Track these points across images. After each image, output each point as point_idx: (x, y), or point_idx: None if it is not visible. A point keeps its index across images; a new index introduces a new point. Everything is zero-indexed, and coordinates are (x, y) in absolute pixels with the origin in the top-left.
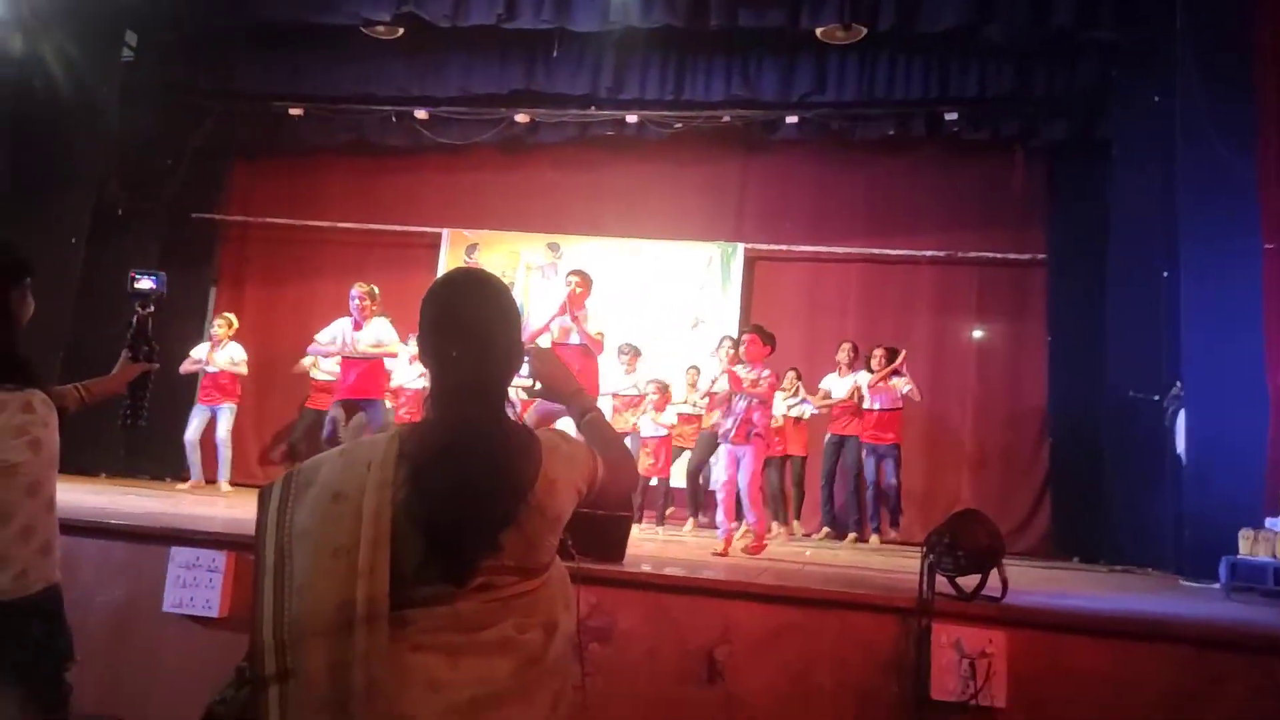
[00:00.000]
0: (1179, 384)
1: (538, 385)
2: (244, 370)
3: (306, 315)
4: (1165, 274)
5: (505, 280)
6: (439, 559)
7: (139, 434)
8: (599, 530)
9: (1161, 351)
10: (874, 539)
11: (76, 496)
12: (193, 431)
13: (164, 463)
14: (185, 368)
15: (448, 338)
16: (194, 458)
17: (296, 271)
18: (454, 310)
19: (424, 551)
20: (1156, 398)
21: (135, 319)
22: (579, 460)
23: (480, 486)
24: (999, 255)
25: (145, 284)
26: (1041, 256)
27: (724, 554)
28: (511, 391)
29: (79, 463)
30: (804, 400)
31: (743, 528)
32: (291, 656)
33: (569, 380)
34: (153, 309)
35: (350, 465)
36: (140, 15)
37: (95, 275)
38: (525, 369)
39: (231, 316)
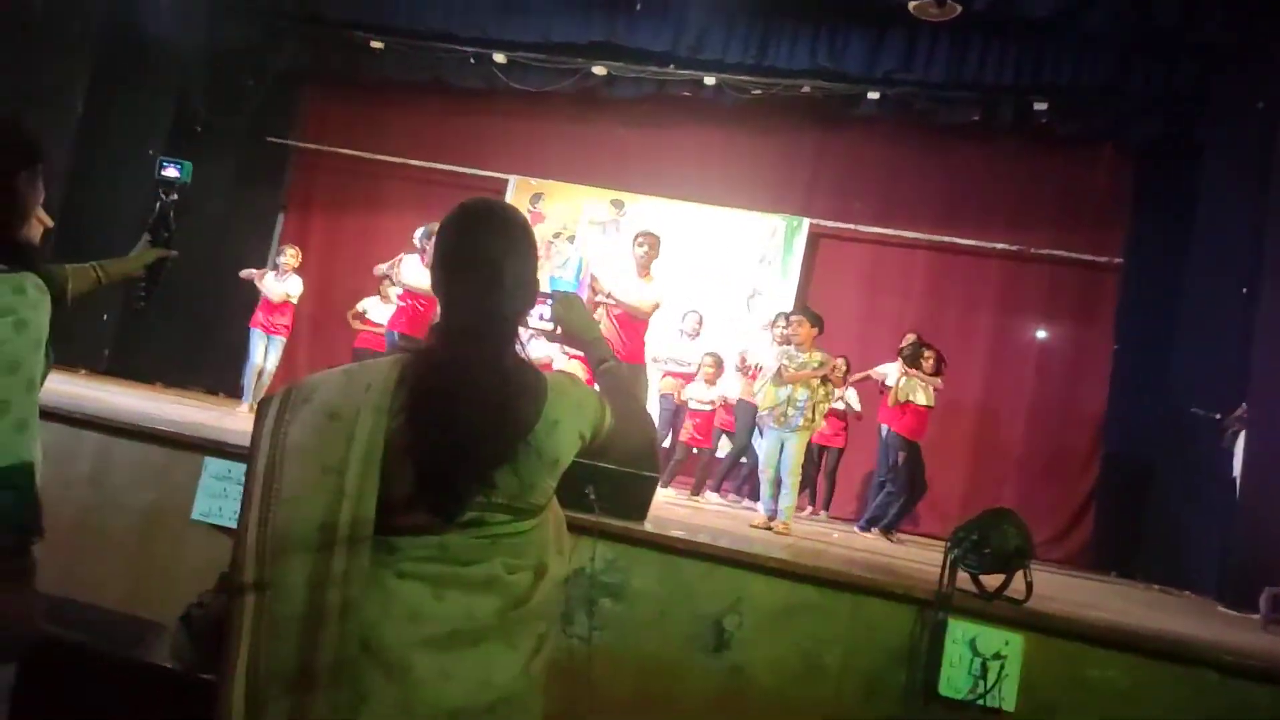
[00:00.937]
0: (1244, 405)
1: (558, 329)
2: (294, 301)
3: (367, 247)
4: (1244, 290)
5: (565, 233)
6: (429, 491)
7: (148, 329)
8: (623, 488)
9: (1230, 370)
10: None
11: (124, 400)
12: (257, 356)
13: (217, 377)
14: (246, 275)
15: (455, 268)
16: (254, 382)
17: (363, 203)
18: (463, 241)
19: (414, 481)
20: (1218, 416)
21: (159, 205)
22: (586, 406)
23: (476, 423)
24: (1073, 255)
25: (171, 172)
26: (1117, 260)
27: (764, 528)
28: (524, 331)
29: (138, 369)
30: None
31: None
32: (270, 568)
33: (590, 327)
34: (176, 197)
35: (350, 385)
36: None
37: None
38: (547, 311)
39: (298, 250)
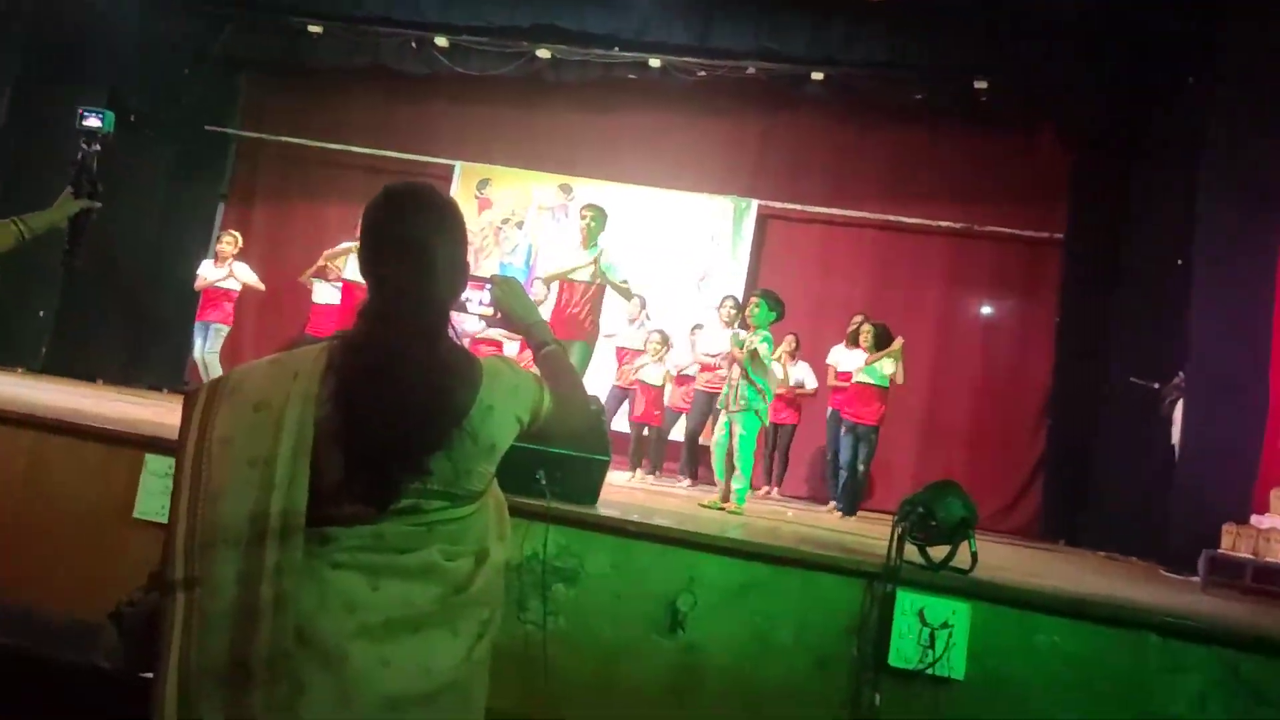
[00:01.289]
0: (1180, 374)
1: (497, 314)
2: (261, 286)
3: (313, 237)
4: (1179, 262)
5: (514, 219)
6: (360, 479)
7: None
8: (574, 472)
9: (1168, 341)
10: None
11: (61, 398)
12: (199, 348)
13: (161, 373)
14: (199, 285)
15: (382, 252)
16: (203, 374)
17: (305, 192)
18: (390, 224)
19: (345, 470)
20: (1156, 386)
21: (80, 155)
22: (522, 390)
23: (407, 408)
24: (1016, 231)
25: (93, 121)
26: (1059, 236)
27: (720, 507)
28: (463, 315)
29: (76, 367)
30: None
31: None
32: (200, 564)
33: (529, 310)
34: (98, 147)
35: (277, 375)
36: None
37: (106, 180)
38: (486, 295)
39: (237, 235)
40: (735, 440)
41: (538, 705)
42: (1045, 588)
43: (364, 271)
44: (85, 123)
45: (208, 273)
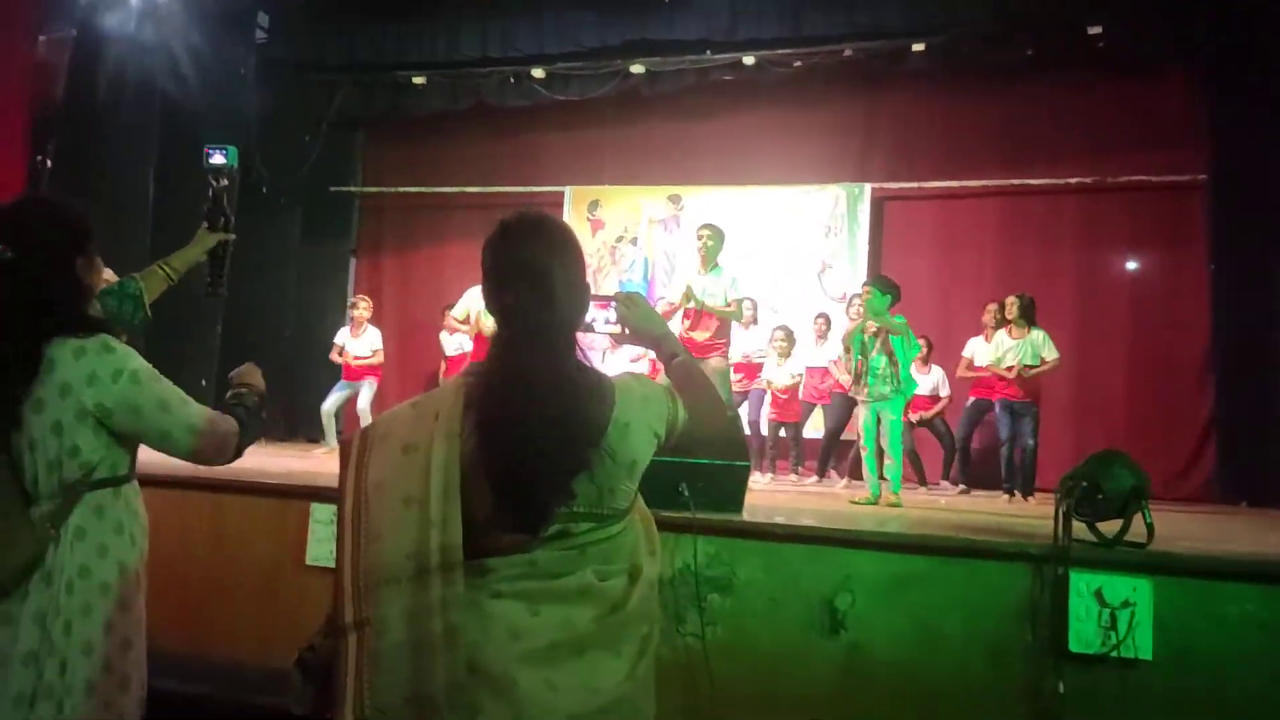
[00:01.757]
0: None
1: (625, 330)
2: (379, 359)
3: (439, 281)
4: None
5: (627, 236)
6: (510, 509)
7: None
8: (715, 481)
9: None
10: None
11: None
12: (330, 403)
13: (317, 427)
14: (334, 357)
15: (504, 283)
16: (329, 425)
17: (428, 238)
18: (508, 255)
19: (495, 501)
20: None
21: (211, 191)
22: (655, 403)
23: (546, 435)
24: (1153, 179)
25: (218, 159)
26: (1202, 178)
27: (873, 503)
28: (591, 335)
29: None
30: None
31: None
32: (367, 605)
33: (656, 323)
34: (227, 183)
35: (419, 417)
36: None
37: (245, 252)
38: (612, 314)
39: (368, 299)
40: (884, 427)
41: (703, 718)
42: (1231, 554)
43: (489, 304)
44: (211, 160)
45: (349, 345)
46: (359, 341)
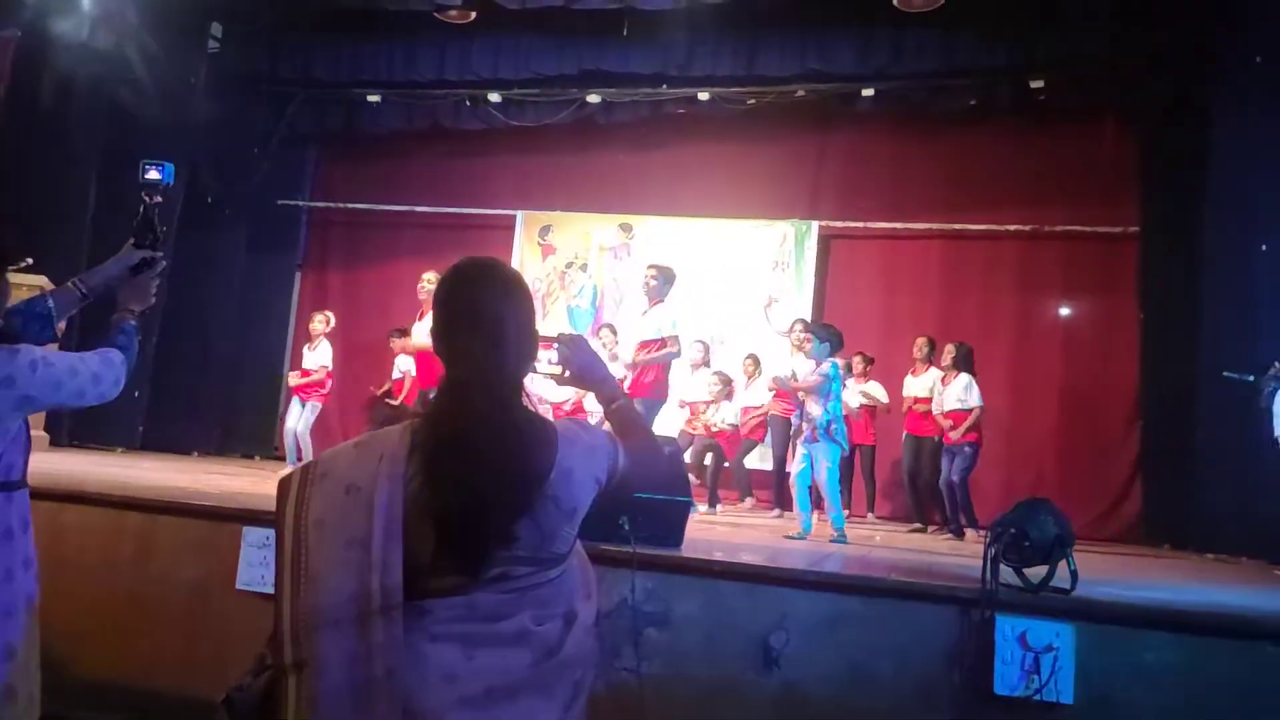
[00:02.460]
0: (1277, 364)
1: (565, 372)
2: (321, 376)
3: (387, 299)
4: (1264, 248)
5: (578, 262)
6: (452, 550)
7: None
8: (657, 516)
9: (1260, 329)
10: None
11: (163, 475)
12: (291, 420)
13: (252, 442)
14: (293, 381)
15: (456, 327)
16: (289, 444)
17: (376, 255)
18: (462, 300)
19: (437, 543)
20: (1252, 378)
21: (142, 207)
22: (597, 451)
23: (490, 478)
24: (1088, 229)
25: (153, 175)
26: (1134, 229)
27: (802, 538)
28: (533, 379)
29: (172, 442)
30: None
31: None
32: (307, 646)
33: (596, 366)
34: (160, 200)
35: (364, 457)
36: (224, 7)
37: (187, 262)
38: (555, 356)
39: (329, 314)
40: (821, 473)
41: None
42: (1151, 603)
43: (437, 347)
44: (147, 175)
45: (305, 358)
46: (310, 355)
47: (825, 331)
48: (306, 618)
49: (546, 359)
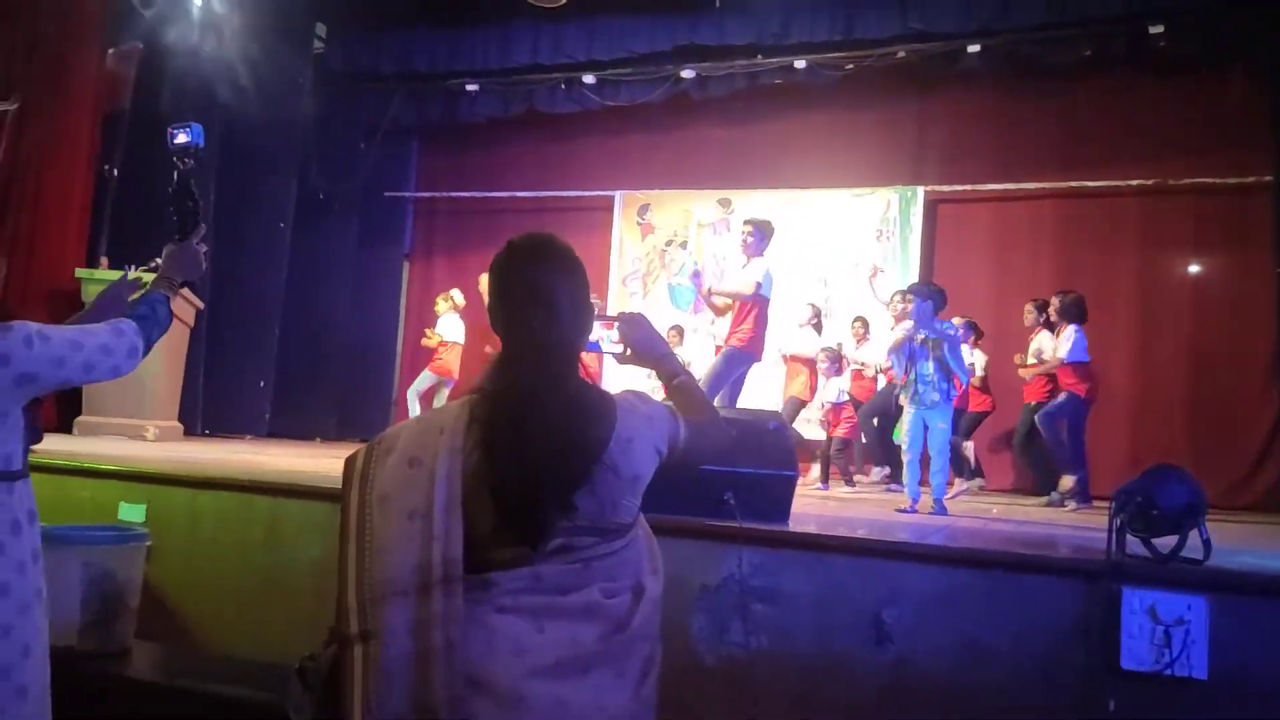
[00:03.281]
0: None
1: (627, 350)
2: (442, 351)
3: None
4: None
5: (677, 240)
6: (512, 522)
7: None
8: (761, 490)
9: None
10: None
11: (288, 461)
12: (417, 383)
13: (370, 426)
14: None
15: (511, 302)
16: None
17: (479, 243)
18: (516, 275)
19: (497, 514)
20: None
21: (176, 175)
22: (657, 421)
23: (547, 449)
24: (1217, 180)
25: (182, 139)
26: (1267, 179)
27: (910, 511)
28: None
29: (297, 429)
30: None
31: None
32: (374, 617)
33: (657, 344)
34: (193, 164)
35: (425, 431)
36: (328, 7)
37: (303, 256)
38: (616, 334)
39: (453, 292)
40: (932, 434)
41: None
42: None
43: (493, 322)
44: (175, 140)
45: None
46: (436, 329)
47: (926, 289)
48: (372, 590)
49: (608, 338)
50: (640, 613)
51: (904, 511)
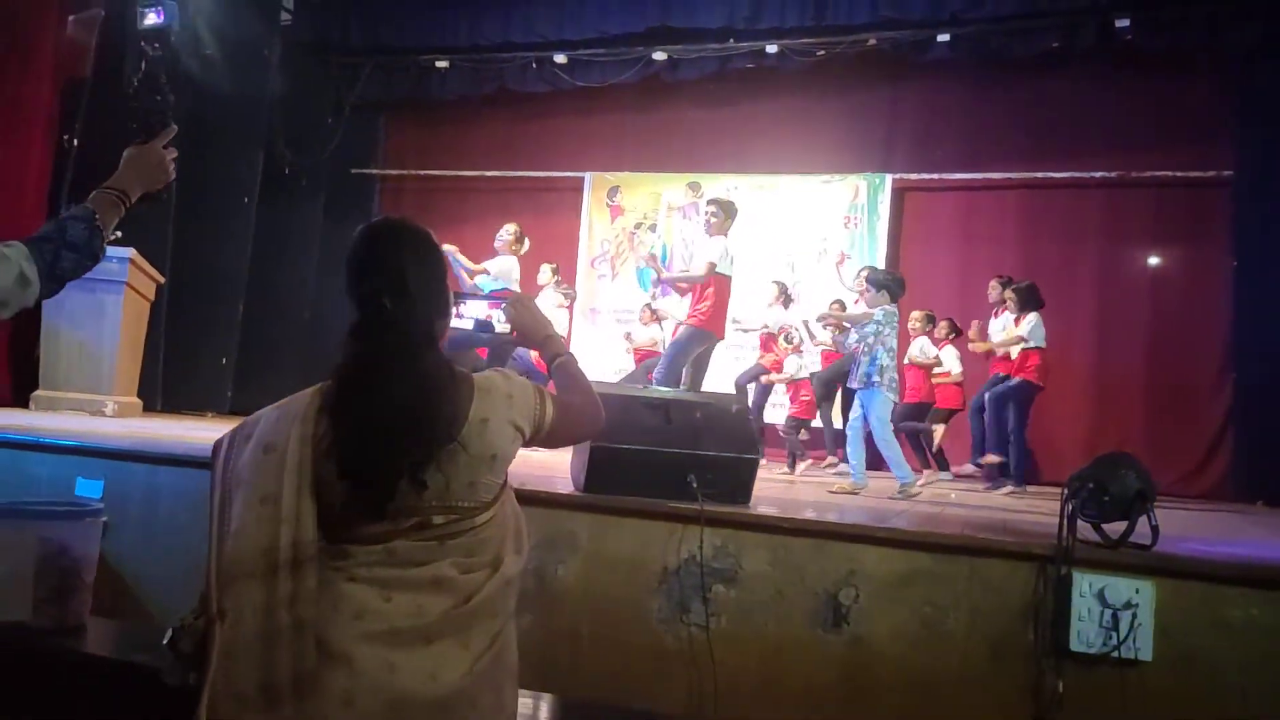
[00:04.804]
0: None
1: (514, 331)
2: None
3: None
4: None
5: (646, 222)
6: (359, 495)
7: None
8: (724, 472)
9: None
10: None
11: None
12: None
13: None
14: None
15: (358, 279)
16: None
17: (448, 220)
18: (367, 251)
19: (348, 491)
20: None
21: (143, 61)
22: (518, 399)
23: (390, 424)
24: (1178, 174)
25: (151, 19)
26: (1227, 174)
27: (842, 493)
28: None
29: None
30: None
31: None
32: (226, 597)
33: (542, 325)
34: (161, 50)
35: (281, 418)
36: None
37: (267, 231)
38: (503, 315)
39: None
40: (873, 425)
41: (706, 706)
42: (1234, 558)
43: (349, 297)
44: (145, 21)
45: None
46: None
47: (880, 276)
48: (227, 570)
49: (496, 318)
50: (489, 587)
51: (835, 492)
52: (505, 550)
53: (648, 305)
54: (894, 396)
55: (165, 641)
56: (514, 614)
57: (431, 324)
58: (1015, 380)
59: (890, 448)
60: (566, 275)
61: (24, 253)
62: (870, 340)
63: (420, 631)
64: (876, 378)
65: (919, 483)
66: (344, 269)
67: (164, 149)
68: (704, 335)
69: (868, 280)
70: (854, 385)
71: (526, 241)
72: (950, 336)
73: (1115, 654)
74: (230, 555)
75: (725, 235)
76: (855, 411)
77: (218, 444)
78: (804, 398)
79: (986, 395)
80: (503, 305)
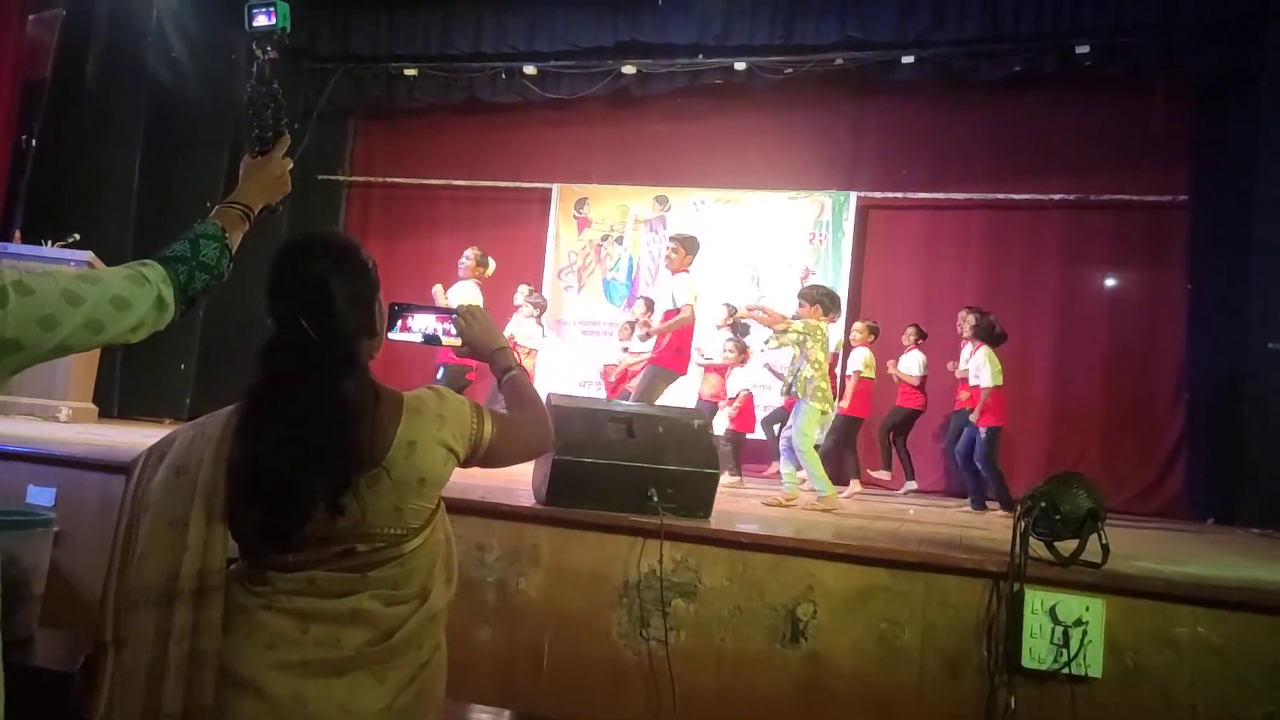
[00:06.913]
0: None
1: (464, 344)
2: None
3: (424, 272)
4: None
5: (613, 235)
6: (268, 522)
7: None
8: (685, 487)
9: None
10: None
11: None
12: None
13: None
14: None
15: (279, 297)
16: None
17: (415, 229)
18: (286, 267)
19: (259, 517)
20: None
21: (256, 66)
22: (451, 419)
23: (304, 448)
24: (1135, 198)
25: (262, 20)
26: (1182, 198)
27: (777, 505)
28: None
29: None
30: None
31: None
32: (125, 623)
33: (493, 338)
34: (274, 53)
35: (195, 439)
36: None
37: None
38: (453, 327)
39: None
40: (792, 431)
41: None
42: (1184, 577)
43: (268, 314)
44: (255, 23)
45: None
46: None
47: (814, 292)
48: (129, 596)
49: (443, 330)
50: (413, 622)
51: (770, 505)
52: (434, 581)
53: (628, 323)
54: (824, 407)
55: (78, 668)
56: (443, 643)
57: (354, 344)
58: (982, 433)
59: (809, 459)
60: (534, 285)
61: (162, 275)
62: (796, 353)
63: (332, 664)
64: (798, 390)
65: (842, 495)
66: (266, 285)
67: (282, 159)
68: (669, 375)
69: (801, 295)
70: (782, 396)
71: (492, 264)
72: (917, 341)
73: (1066, 670)
74: (133, 581)
75: (687, 271)
76: (790, 426)
77: (132, 463)
78: (745, 412)
79: (956, 450)
80: (453, 317)
